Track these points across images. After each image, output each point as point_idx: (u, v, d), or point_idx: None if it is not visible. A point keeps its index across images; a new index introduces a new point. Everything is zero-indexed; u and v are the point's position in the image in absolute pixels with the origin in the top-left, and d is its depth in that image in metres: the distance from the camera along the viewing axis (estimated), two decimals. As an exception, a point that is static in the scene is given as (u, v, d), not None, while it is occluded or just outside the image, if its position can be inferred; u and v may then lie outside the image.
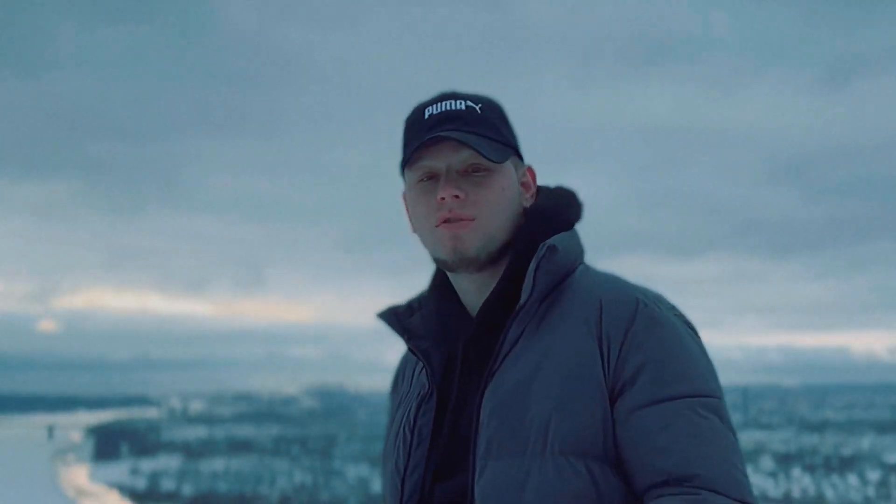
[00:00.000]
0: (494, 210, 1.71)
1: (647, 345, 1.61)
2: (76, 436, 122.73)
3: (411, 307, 1.85)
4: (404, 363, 1.92)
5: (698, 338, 1.70)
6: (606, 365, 1.61)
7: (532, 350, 1.65)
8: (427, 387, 1.76)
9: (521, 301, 1.66)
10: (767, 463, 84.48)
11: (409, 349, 1.80)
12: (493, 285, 1.73)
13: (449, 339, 1.77)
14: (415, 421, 1.75)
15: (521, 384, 1.62)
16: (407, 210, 1.81)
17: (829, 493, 75.86)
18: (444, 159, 1.71)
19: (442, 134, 1.69)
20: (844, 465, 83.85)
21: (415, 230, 1.79)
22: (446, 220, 1.71)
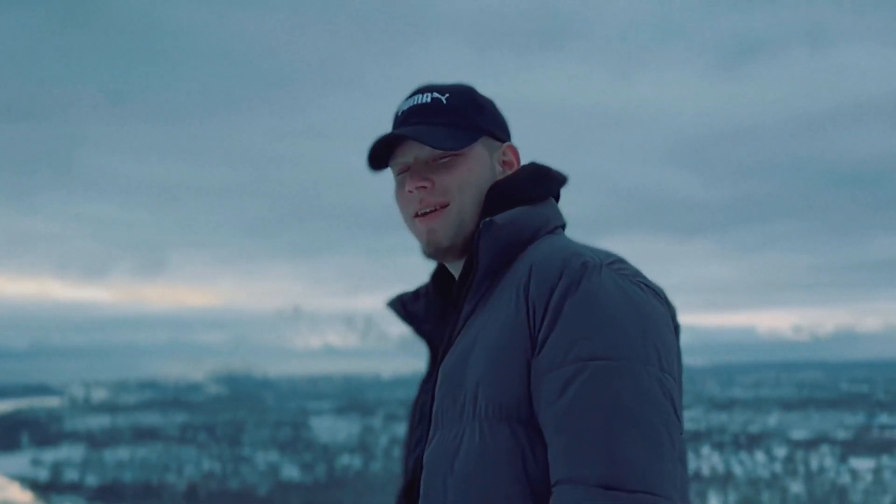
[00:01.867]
0: (461, 192, 1.79)
1: (564, 307, 1.60)
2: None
3: (418, 293, 1.93)
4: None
5: (645, 290, 1.65)
6: (532, 330, 1.62)
7: (475, 324, 1.71)
8: (429, 369, 1.85)
9: (469, 280, 1.75)
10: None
11: (416, 333, 1.90)
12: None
13: (449, 320, 1.84)
14: (418, 399, 1.85)
15: (462, 356, 1.69)
16: None
17: (738, 470, 76.92)
18: (411, 153, 1.81)
19: (393, 133, 1.81)
20: (752, 442, 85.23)
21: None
22: (419, 215, 1.81)
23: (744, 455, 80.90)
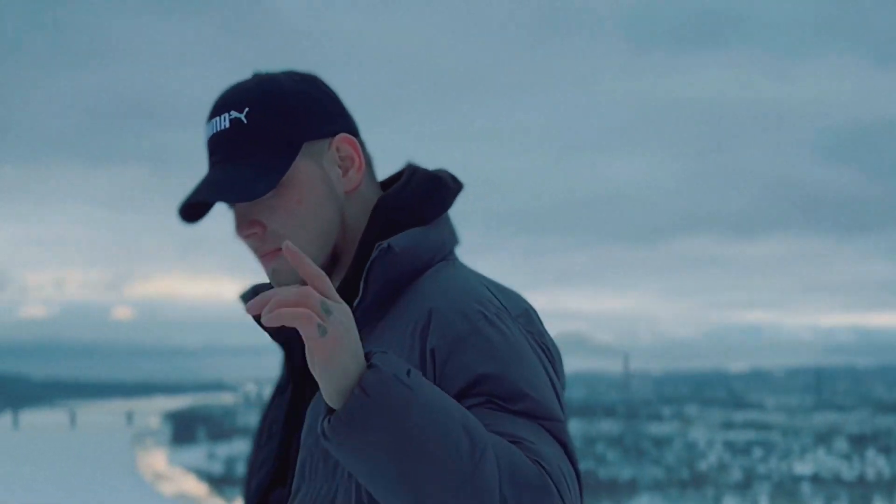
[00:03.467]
0: (298, 230, 1.52)
1: (477, 360, 1.39)
2: (154, 421, 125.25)
3: None
4: None
5: (549, 355, 1.49)
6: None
7: None
8: (284, 379, 1.63)
9: (354, 306, 1.46)
10: (842, 444, 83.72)
11: (270, 336, 1.62)
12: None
13: None
14: (267, 413, 1.64)
15: None
16: None
17: (905, 475, 75.12)
18: None
19: (191, 202, 1.52)
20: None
21: None
22: (262, 255, 1.55)
23: (912, 459, 78.91)
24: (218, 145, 1.53)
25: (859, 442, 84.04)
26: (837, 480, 75.73)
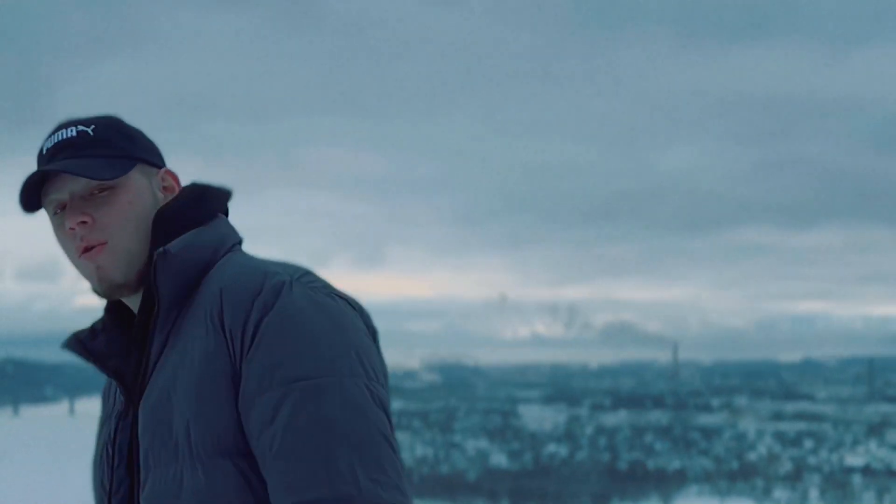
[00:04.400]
0: (125, 227, 1.70)
1: (261, 331, 1.57)
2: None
3: (94, 330, 1.81)
4: (111, 381, 1.87)
5: (341, 301, 1.66)
6: (234, 357, 1.58)
7: (171, 357, 1.65)
8: (124, 403, 1.75)
9: (155, 313, 1.68)
10: (894, 436, 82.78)
11: (102, 371, 1.79)
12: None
13: (136, 354, 1.75)
14: (115, 438, 1.75)
15: (164, 393, 1.63)
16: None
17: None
18: (66, 189, 1.70)
19: (46, 168, 1.70)
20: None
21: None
22: (84, 250, 1.70)
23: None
24: (63, 148, 1.72)
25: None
26: (889, 472, 75.03)
